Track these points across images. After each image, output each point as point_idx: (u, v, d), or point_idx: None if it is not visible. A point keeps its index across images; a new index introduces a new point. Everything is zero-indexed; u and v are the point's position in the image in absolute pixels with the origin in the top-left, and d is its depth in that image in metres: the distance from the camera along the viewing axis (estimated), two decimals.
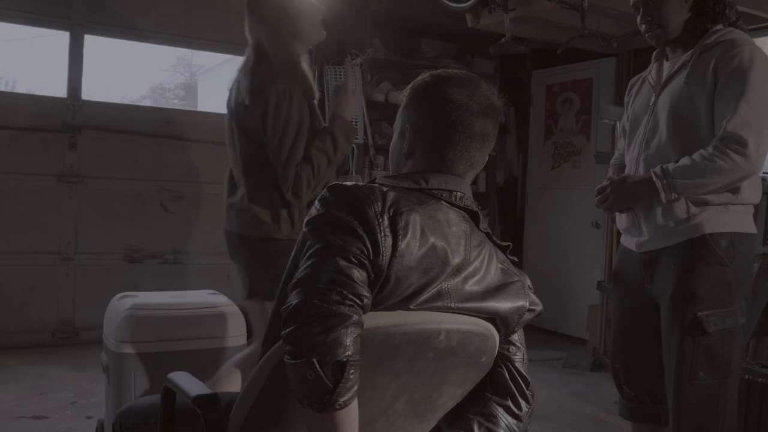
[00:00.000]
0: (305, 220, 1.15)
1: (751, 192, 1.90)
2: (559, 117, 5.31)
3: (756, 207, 1.97)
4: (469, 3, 3.78)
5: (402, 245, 1.10)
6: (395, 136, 1.36)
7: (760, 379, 2.48)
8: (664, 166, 1.84)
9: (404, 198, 1.16)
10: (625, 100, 2.19)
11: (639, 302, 2.03)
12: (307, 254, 1.08)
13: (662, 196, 1.82)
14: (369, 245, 1.07)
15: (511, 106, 5.64)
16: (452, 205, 1.24)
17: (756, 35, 4.19)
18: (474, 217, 1.27)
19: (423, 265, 1.13)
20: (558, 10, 3.64)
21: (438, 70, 1.33)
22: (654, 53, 2.09)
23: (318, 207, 1.14)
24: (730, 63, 1.81)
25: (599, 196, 2.00)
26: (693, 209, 1.86)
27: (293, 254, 1.18)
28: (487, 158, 1.34)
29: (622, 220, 2.05)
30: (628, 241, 2.06)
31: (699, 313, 1.83)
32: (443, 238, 1.16)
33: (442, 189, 1.24)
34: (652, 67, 2.07)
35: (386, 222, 1.10)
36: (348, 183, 1.16)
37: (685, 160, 1.82)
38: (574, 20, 3.58)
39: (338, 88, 2.24)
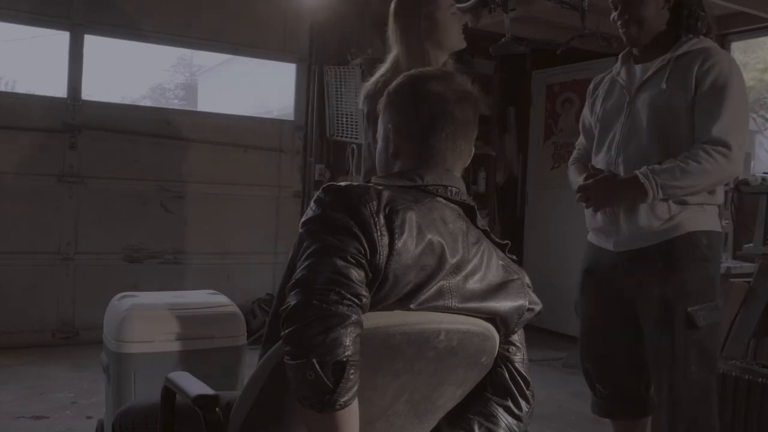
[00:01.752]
0: (301, 221, 1.15)
1: (720, 194, 2.01)
2: (559, 117, 5.31)
3: (757, 206, 2.04)
4: (469, 3, 3.78)
5: (399, 244, 1.10)
6: (379, 144, 1.37)
7: (760, 379, 2.48)
8: (650, 167, 1.87)
9: (399, 196, 1.16)
10: (589, 99, 2.21)
11: (611, 300, 2.06)
12: (304, 255, 1.08)
13: (650, 196, 1.85)
14: (366, 245, 1.07)
15: (511, 106, 5.65)
16: (448, 200, 1.24)
17: (756, 35, 4.20)
18: (470, 213, 1.27)
19: (420, 262, 1.13)
20: (558, 10, 3.63)
21: (410, 71, 1.36)
22: (621, 55, 2.12)
23: (314, 208, 1.14)
24: (710, 72, 1.88)
25: (581, 194, 2.01)
26: (674, 209, 1.91)
27: (290, 256, 1.18)
28: (473, 150, 1.36)
29: (596, 219, 2.06)
30: (601, 240, 2.07)
31: (689, 309, 1.88)
32: (440, 236, 1.16)
33: (437, 185, 1.25)
34: (621, 69, 2.10)
35: (382, 221, 1.10)
36: (342, 183, 1.16)
37: (671, 162, 1.86)
38: (574, 20, 3.56)
39: None
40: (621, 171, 1.98)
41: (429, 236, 1.14)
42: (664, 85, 1.93)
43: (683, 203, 1.91)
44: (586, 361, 2.16)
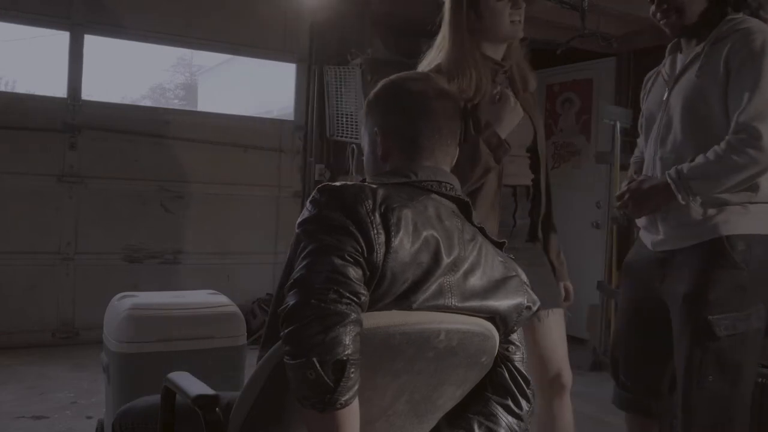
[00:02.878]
0: (297, 221, 1.15)
1: None
2: (559, 117, 5.31)
3: None
4: None
5: (395, 241, 1.10)
6: (366, 151, 1.38)
7: (760, 379, 2.47)
8: (679, 167, 1.77)
9: (394, 194, 1.16)
10: (641, 95, 2.13)
11: (647, 298, 2.00)
12: (302, 255, 1.08)
13: (679, 199, 1.76)
14: (362, 243, 1.08)
15: None
16: (442, 196, 1.25)
17: None
18: (465, 209, 1.28)
19: (417, 259, 1.13)
20: (558, 10, 3.64)
21: (389, 77, 1.39)
22: (669, 46, 2.01)
23: (309, 208, 1.14)
24: (741, 52, 1.72)
25: (619, 202, 1.95)
26: (710, 210, 1.79)
27: (288, 256, 1.18)
28: (458, 147, 1.37)
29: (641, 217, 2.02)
30: (644, 237, 2.02)
31: (710, 317, 1.77)
32: (435, 233, 1.17)
33: (431, 180, 1.25)
34: (667, 61, 2.00)
35: (378, 219, 1.10)
36: (337, 183, 1.17)
37: (699, 159, 1.75)
38: (574, 20, 3.58)
39: (499, 94, 1.91)
40: (658, 170, 1.89)
41: (425, 233, 1.15)
42: (696, 75, 1.79)
43: (723, 203, 1.77)
44: (616, 351, 2.13)
